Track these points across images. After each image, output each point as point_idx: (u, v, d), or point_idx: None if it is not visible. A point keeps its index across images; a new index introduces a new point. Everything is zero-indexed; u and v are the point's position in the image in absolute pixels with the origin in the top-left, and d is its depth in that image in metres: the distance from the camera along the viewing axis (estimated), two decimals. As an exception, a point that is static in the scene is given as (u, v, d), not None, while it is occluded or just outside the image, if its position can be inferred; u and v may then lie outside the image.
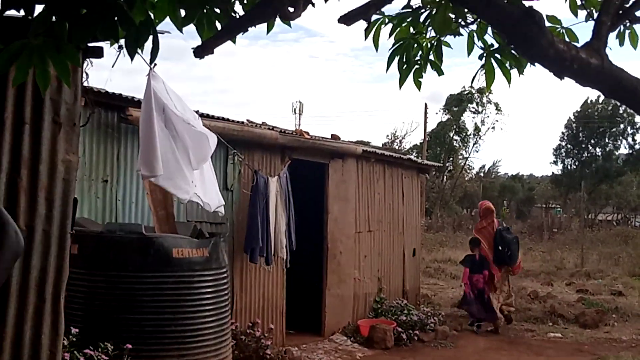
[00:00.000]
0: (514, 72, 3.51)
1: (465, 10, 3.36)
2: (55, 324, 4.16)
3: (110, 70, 5.85)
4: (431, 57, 3.61)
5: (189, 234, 6.87)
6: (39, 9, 2.54)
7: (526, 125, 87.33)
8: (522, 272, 15.18)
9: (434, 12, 3.43)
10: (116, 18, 2.59)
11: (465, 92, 44.16)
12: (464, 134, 45.77)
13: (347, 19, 2.92)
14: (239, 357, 7.79)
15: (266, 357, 8.15)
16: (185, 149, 6.24)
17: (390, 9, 3.43)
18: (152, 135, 5.84)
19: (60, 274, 4.18)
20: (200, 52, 3.07)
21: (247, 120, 9.86)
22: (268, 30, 3.33)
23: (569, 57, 2.82)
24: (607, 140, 48.22)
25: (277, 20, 3.16)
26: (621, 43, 3.45)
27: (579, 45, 3.01)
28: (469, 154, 47.49)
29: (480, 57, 3.53)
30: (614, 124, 47.11)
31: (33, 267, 4.03)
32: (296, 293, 10.18)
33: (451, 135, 45.68)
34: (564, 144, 49.91)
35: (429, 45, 3.60)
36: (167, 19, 3.04)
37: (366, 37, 3.56)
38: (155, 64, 5.63)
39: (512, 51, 3.39)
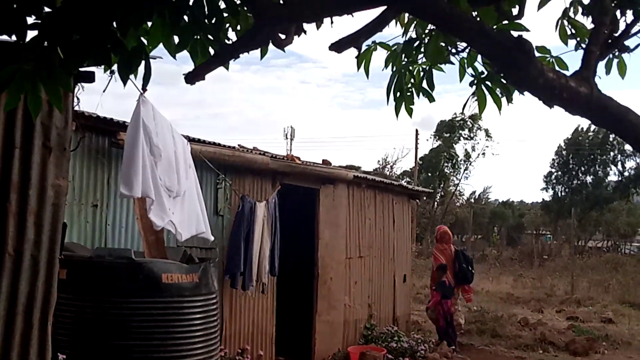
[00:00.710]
0: (504, 99, 3.54)
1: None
2: (43, 350, 4.12)
3: (102, 95, 5.83)
4: (424, 84, 3.65)
5: (178, 259, 6.83)
6: (31, 34, 2.54)
7: (517, 151, 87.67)
8: (512, 299, 15.28)
9: (426, 41, 3.47)
10: (109, 44, 2.59)
11: (457, 119, 44.30)
12: (455, 160, 45.87)
13: (338, 46, 2.94)
14: (228, 383, 7.72)
15: (255, 383, 8.09)
16: (166, 176, 6.29)
17: (380, 36, 3.47)
18: (135, 156, 5.88)
19: (48, 299, 4.14)
20: (191, 78, 3.08)
21: (239, 145, 9.87)
22: (262, 56, 3.35)
23: (559, 85, 2.84)
24: (597, 168, 48.41)
25: (270, 45, 3.18)
26: (608, 72, 3.47)
27: (568, 73, 3.03)
28: (460, 180, 47.59)
29: (471, 84, 3.56)
30: (604, 151, 47.32)
31: (21, 293, 4.00)
32: (286, 319, 10.12)
33: (442, 161, 45.76)
34: (554, 170, 50.08)
35: (420, 73, 3.64)
36: (161, 44, 3.06)
37: (359, 67, 3.60)
38: (146, 89, 5.65)
39: (501, 79, 3.42)
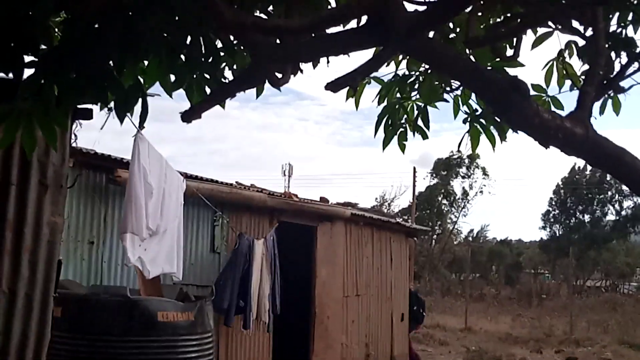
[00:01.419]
0: (498, 137, 3.56)
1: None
2: (35, 389, 4.07)
3: (100, 132, 5.85)
4: (419, 122, 3.66)
5: (174, 297, 6.78)
6: (27, 72, 2.55)
7: (515, 190, 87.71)
8: (511, 338, 15.24)
9: (420, 80, 3.49)
10: (105, 83, 2.61)
11: (454, 157, 44.41)
12: (452, 198, 45.88)
13: (334, 86, 2.94)
14: None
15: None
16: (150, 215, 6.28)
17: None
18: (137, 196, 5.90)
19: (42, 339, 4.10)
20: (187, 116, 3.08)
21: (236, 182, 9.88)
22: (257, 95, 3.37)
23: (554, 126, 2.83)
24: (595, 207, 48.41)
25: (267, 83, 3.20)
26: (602, 112, 3.48)
27: (563, 113, 3.04)
28: (458, 218, 47.52)
29: (464, 121, 3.58)
30: (602, 190, 47.37)
31: (14, 333, 3.95)
32: (282, 358, 10.01)
33: (439, 199, 45.75)
34: (552, 209, 50.07)
35: (415, 109, 3.66)
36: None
37: (347, 98, 3.64)
38: (143, 127, 5.67)
39: (495, 117, 3.44)
